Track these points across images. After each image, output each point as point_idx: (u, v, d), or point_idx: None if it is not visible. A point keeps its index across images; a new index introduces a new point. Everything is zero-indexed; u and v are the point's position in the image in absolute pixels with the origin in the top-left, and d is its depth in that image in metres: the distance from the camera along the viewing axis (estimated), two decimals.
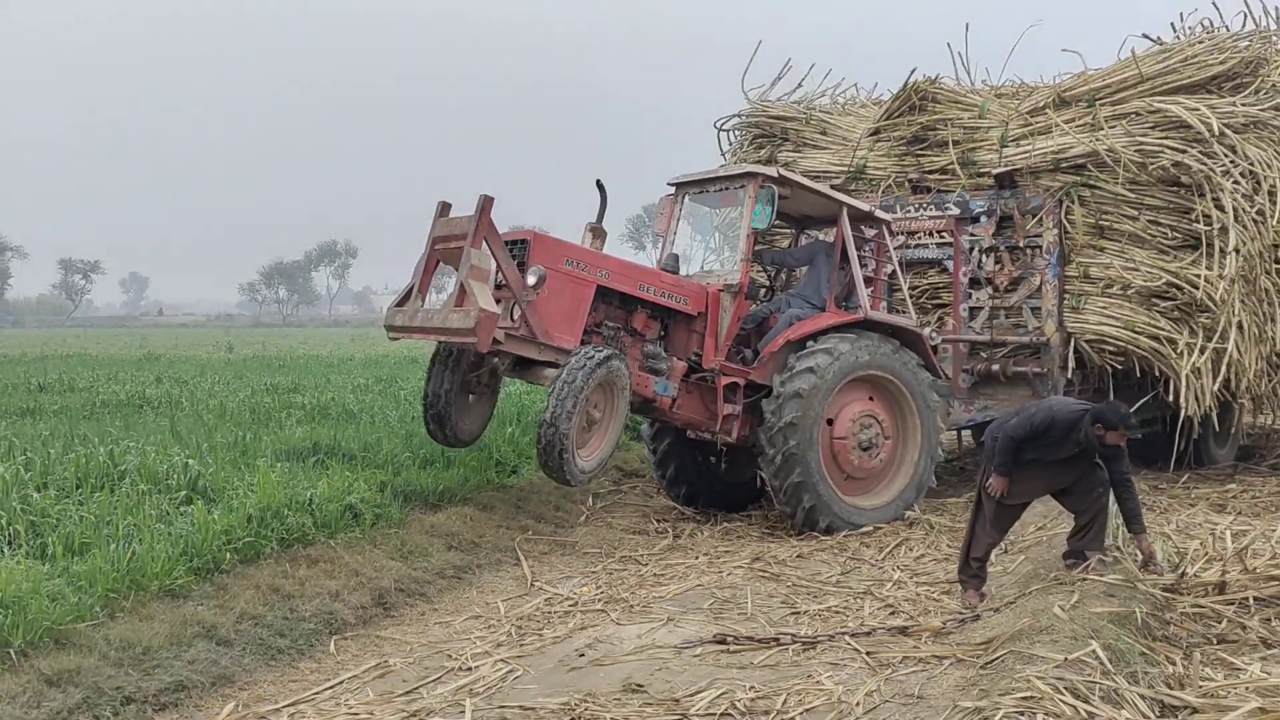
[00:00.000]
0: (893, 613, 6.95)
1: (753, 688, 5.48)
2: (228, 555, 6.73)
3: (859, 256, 9.98)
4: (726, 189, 9.94)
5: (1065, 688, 4.62)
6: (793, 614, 6.99)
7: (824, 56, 14.94)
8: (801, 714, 5.14)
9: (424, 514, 8.57)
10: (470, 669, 5.95)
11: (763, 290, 10.79)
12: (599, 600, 7.34)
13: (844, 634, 6.41)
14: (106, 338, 59.84)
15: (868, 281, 10.07)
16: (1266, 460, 12.57)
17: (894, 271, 10.63)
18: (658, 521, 9.82)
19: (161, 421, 11.88)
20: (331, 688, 5.70)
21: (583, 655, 6.15)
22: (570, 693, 5.44)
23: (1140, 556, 6.83)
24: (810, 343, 9.38)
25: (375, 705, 5.40)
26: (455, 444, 9.31)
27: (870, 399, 9.61)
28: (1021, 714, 4.34)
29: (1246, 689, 4.84)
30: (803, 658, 6.04)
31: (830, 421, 9.33)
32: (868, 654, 6.01)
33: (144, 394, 15.35)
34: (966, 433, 13.36)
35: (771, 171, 9.60)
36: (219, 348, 39.33)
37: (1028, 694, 4.56)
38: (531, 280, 8.33)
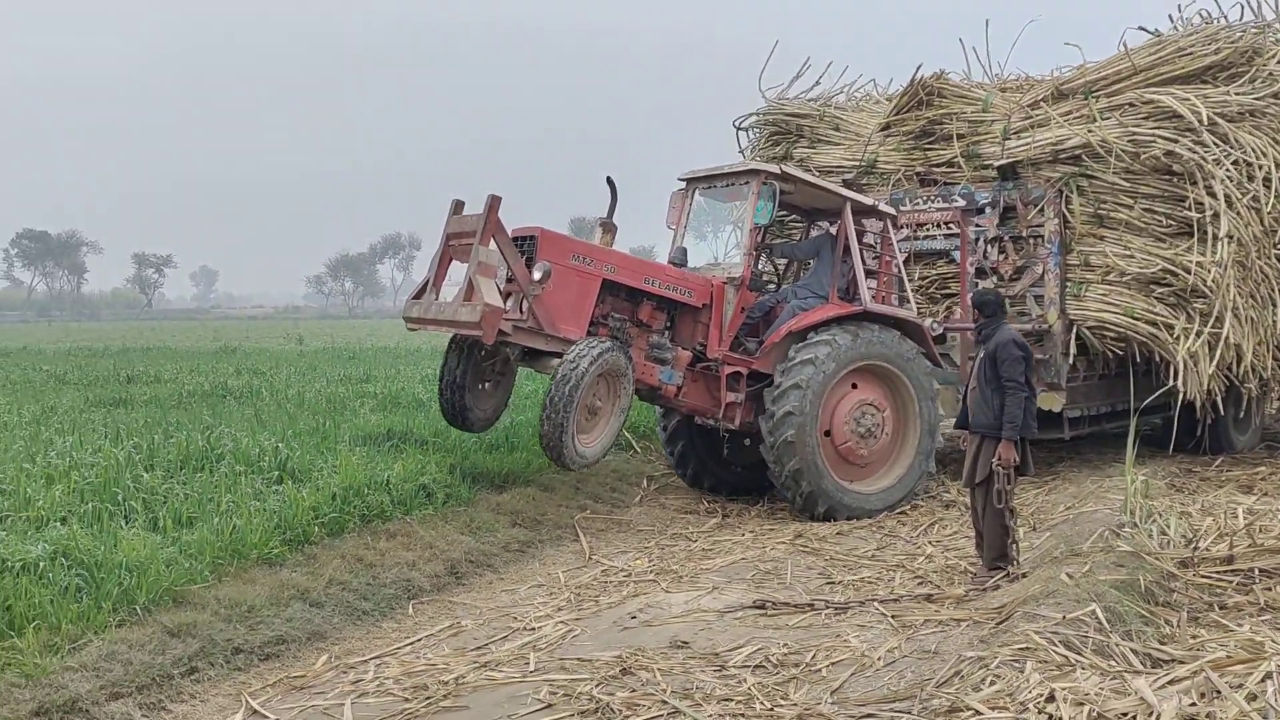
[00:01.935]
0: (921, 583, 7.53)
1: (786, 645, 6.11)
2: (316, 529, 7.50)
3: (866, 249, 10.37)
4: (732, 184, 10.36)
5: (1060, 641, 5.18)
6: (828, 584, 7.61)
7: (839, 55, 15.39)
8: (828, 666, 5.75)
9: (490, 494, 9.29)
10: (533, 629, 6.64)
11: (770, 282, 11.22)
12: (650, 571, 8.01)
13: (873, 600, 7.01)
14: (180, 330, 61.80)
15: (873, 274, 10.50)
16: None
17: (898, 264, 11.05)
18: (708, 502, 10.45)
19: (245, 410, 12.73)
20: (411, 644, 6.42)
21: (634, 618, 6.82)
22: (622, 648, 6.11)
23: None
24: (812, 334, 9.74)
25: (450, 658, 6.10)
26: (469, 428, 9.74)
27: (871, 388, 9.95)
28: (1016, 662, 4.91)
29: (1229, 648, 5.35)
30: (834, 621, 6.65)
31: (831, 410, 9.71)
32: (893, 617, 6.61)
33: (226, 385, 16.27)
34: None
35: (774, 168, 9.98)
36: (289, 339, 40.59)
37: (1024, 645, 5.13)
38: (537, 275, 8.81)
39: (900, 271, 11.05)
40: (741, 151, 14.30)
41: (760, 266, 11.27)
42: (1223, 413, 11.43)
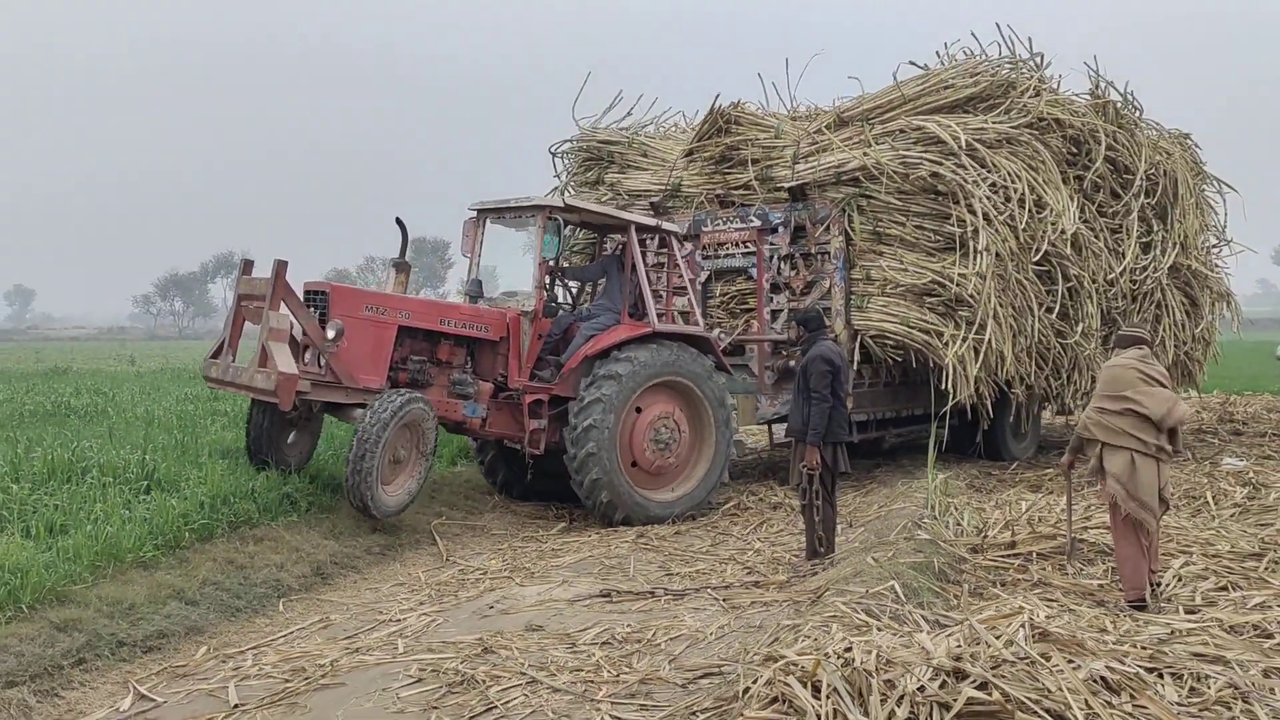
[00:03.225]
0: (749, 573, 8.39)
1: (629, 626, 6.87)
2: (187, 534, 7.90)
3: (655, 267, 11.00)
4: (520, 216, 10.94)
5: (862, 610, 6.07)
6: (667, 575, 8.41)
7: (653, 86, 16.39)
8: (667, 641, 6.53)
9: None
10: (399, 620, 7.23)
11: (563, 305, 11.70)
12: (505, 569, 8.67)
13: (707, 588, 7.85)
14: None
15: (678, 291, 11.28)
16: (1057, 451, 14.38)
17: (690, 280, 11.90)
18: (556, 509, 11.14)
19: (96, 428, 12.79)
20: (285, 636, 6.93)
21: (492, 608, 7.48)
22: (482, 632, 6.76)
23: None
24: (615, 352, 10.30)
25: (323, 646, 6.65)
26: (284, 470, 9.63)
27: (667, 402, 10.58)
28: (825, 627, 5.77)
29: (997, 609, 6.34)
30: (672, 606, 7.44)
31: (630, 425, 10.31)
32: (724, 601, 7.45)
33: (69, 404, 16.14)
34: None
35: (558, 203, 10.62)
36: (119, 361, 39.48)
37: (833, 614, 6.00)
38: (331, 334, 9.19)
39: (689, 287, 11.78)
40: (557, 175, 15.00)
41: (553, 289, 11.72)
42: (997, 420, 12.65)
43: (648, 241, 12.50)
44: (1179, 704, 4.64)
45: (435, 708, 5.51)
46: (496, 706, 5.50)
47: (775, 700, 4.60)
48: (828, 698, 4.45)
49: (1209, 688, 4.79)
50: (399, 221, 10.69)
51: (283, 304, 9.02)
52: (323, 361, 9.24)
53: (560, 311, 11.19)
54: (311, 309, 9.43)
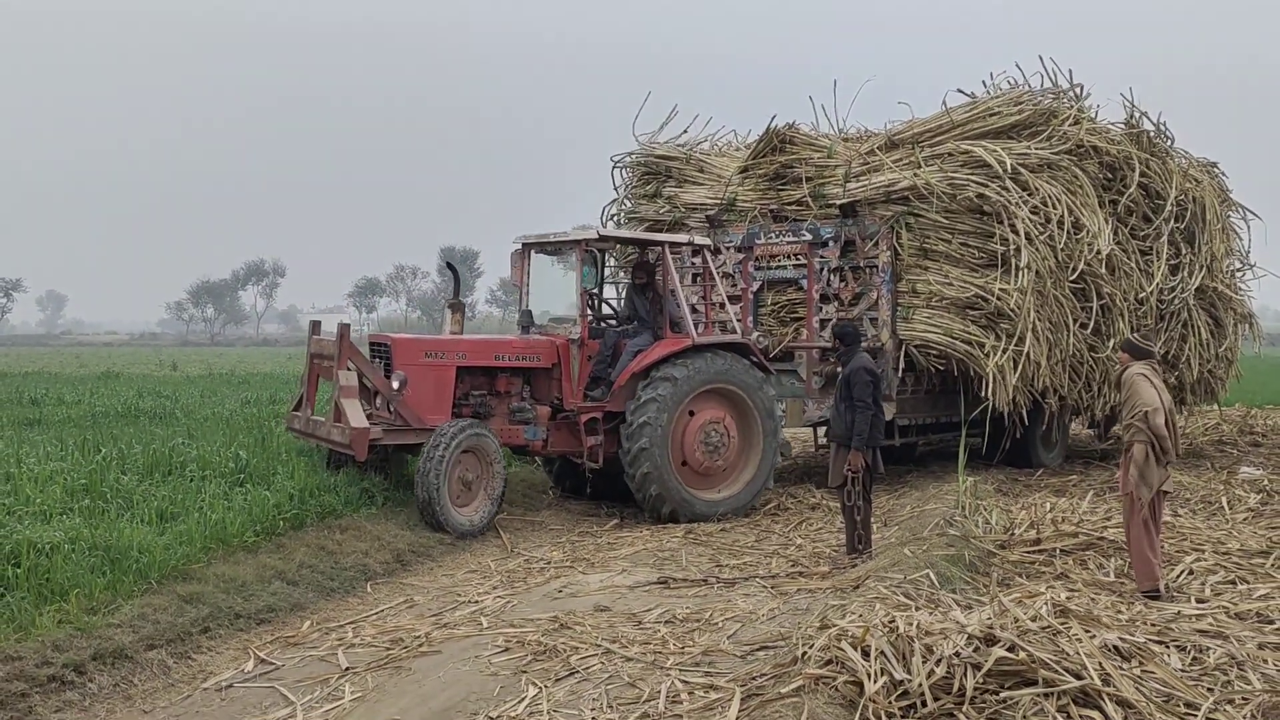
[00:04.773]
0: (793, 565, 9.09)
1: (688, 608, 7.58)
2: (281, 523, 8.71)
3: (691, 280, 11.62)
4: (561, 250, 11.84)
5: (901, 593, 6.78)
6: (717, 566, 9.12)
7: (706, 105, 17.10)
8: (723, 621, 7.24)
9: None
10: (477, 601, 7.97)
11: (611, 319, 12.33)
12: (567, 560, 9.41)
13: (755, 577, 8.56)
14: (37, 356, 59.95)
15: (730, 301, 12.12)
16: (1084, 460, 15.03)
17: (743, 289, 12.64)
18: (607, 507, 11.88)
19: (167, 429, 13.65)
20: (376, 613, 7.69)
21: (560, 592, 8.21)
22: (556, 611, 7.50)
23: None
24: (654, 370, 10.94)
25: (414, 622, 7.40)
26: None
27: (715, 408, 11.22)
28: (869, 605, 6.47)
29: (1018, 596, 7.03)
30: (724, 592, 8.15)
31: (680, 434, 10.94)
32: (772, 588, 8.16)
33: (137, 405, 17.05)
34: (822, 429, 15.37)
35: (592, 234, 11.36)
36: (161, 366, 40.54)
37: (875, 597, 6.72)
38: (396, 385, 10.22)
39: (722, 296, 12.48)
40: (616, 189, 15.79)
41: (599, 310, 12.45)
42: (1029, 429, 13.32)
43: (685, 256, 13.22)
44: (1182, 670, 5.33)
45: (524, 671, 6.25)
46: (578, 671, 6.22)
47: (829, 662, 5.31)
48: (876, 659, 5.16)
49: (1209, 657, 5.48)
50: (450, 266, 11.81)
51: (349, 363, 10.01)
52: (391, 408, 10.18)
53: (606, 329, 11.89)
54: (376, 360, 10.48)
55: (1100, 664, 5.09)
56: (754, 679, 5.68)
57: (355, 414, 9.73)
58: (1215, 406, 17.64)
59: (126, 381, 27.02)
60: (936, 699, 4.91)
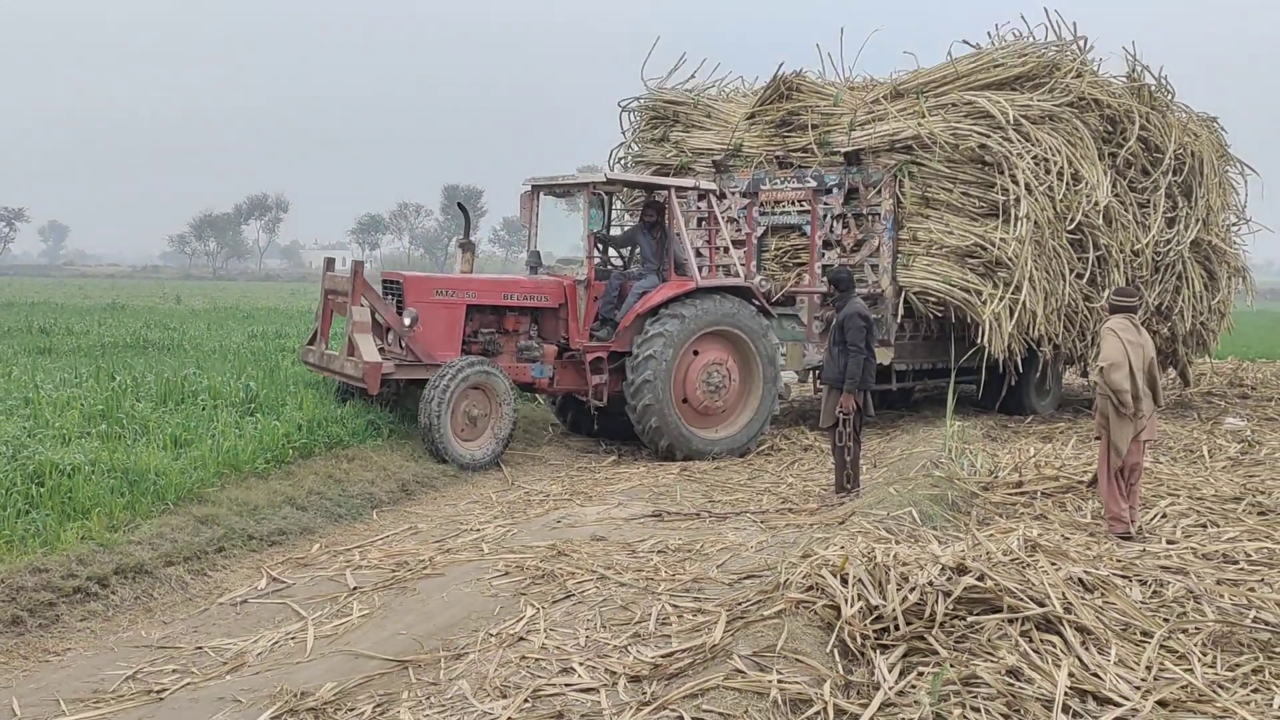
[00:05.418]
0: (783, 502, 9.44)
1: (680, 539, 7.93)
2: (290, 451, 9.03)
3: (696, 225, 11.87)
4: (569, 192, 12.03)
5: (883, 529, 7.12)
6: (710, 501, 9.48)
7: (713, 51, 17.13)
8: (714, 551, 7.59)
9: None
10: (478, 530, 8.31)
11: (612, 264, 12.53)
12: (565, 493, 9.76)
13: (746, 512, 8.91)
14: (41, 287, 59.99)
15: (735, 245, 12.39)
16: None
17: (747, 234, 12.92)
18: (606, 444, 12.22)
19: (175, 359, 13.96)
20: (383, 538, 8.04)
21: (559, 522, 8.56)
22: (554, 540, 7.84)
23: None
24: (662, 309, 11.24)
25: (418, 547, 7.75)
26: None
27: (717, 350, 11.52)
28: (852, 538, 6.81)
29: (993, 533, 7.35)
30: (716, 525, 8.50)
31: (684, 372, 11.28)
32: (762, 523, 8.51)
33: (145, 337, 17.34)
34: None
35: (600, 178, 11.56)
36: (166, 298, 40.72)
37: (858, 531, 7.05)
38: (407, 321, 10.53)
39: (726, 240, 12.60)
40: (624, 132, 16.00)
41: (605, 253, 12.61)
42: (1024, 376, 13.62)
43: (691, 201, 13.43)
44: (1141, 601, 5.67)
45: (523, 593, 6.60)
46: (574, 594, 6.58)
47: (810, 588, 5.64)
48: (853, 586, 5.49)
49: (1168, 591, 5.81)
50: (461, 206, 12.02)
51: (362, 299, 10.28)
52: (403, 344, 10.46)
53: (613, 270, 12.15)
54: (388, 297, 10.74)
55: (1063, 593, 5.42)
56: (739, 604, 6.02)
57: (369, 348, 10.03)
58: (1206, 359, 17.94)
59: (132, 313, 27.25)
60: (908, 623, 5.24)
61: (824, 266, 13.34)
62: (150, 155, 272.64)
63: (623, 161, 15.91)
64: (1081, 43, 13.74)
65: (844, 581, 5.57)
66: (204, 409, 9.54)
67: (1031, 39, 13.61)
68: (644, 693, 4.88)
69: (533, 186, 12.10)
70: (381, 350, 10.41)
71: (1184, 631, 5.39)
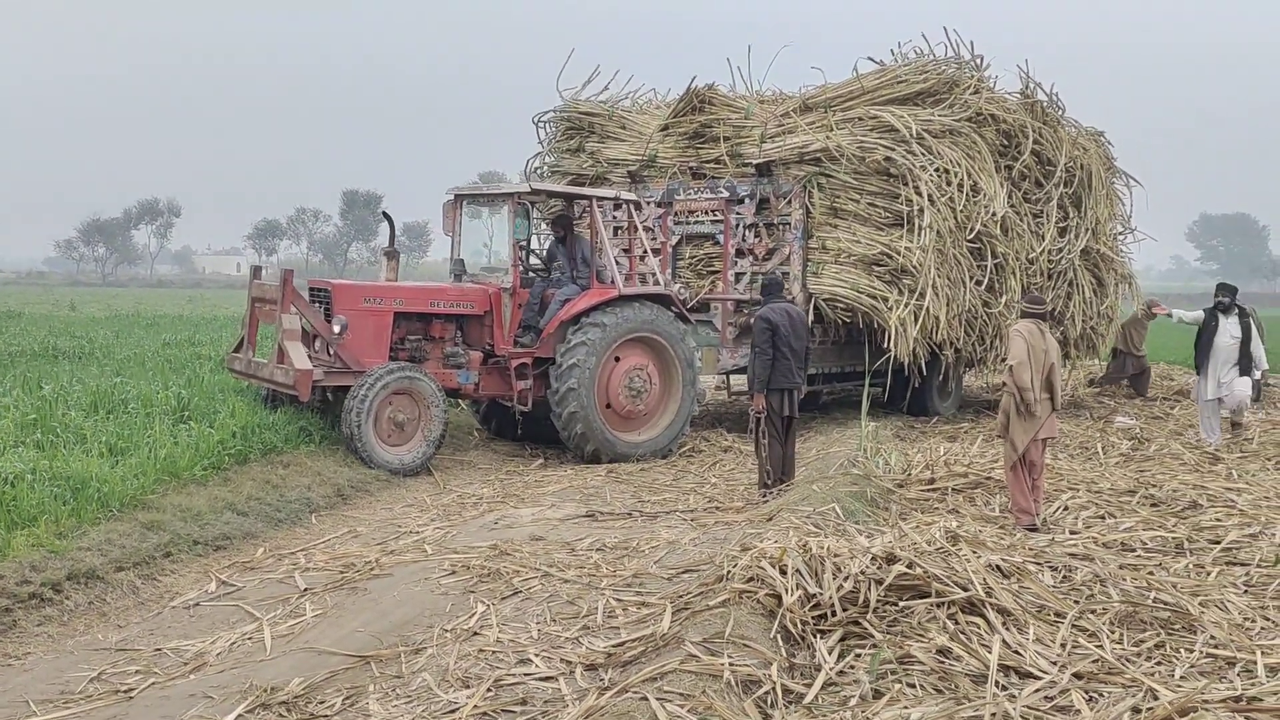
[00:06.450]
0: (710, 501, 9.81)
1: (616, 538, 8.24)
2: (227, 458, 9.12)
3: (613, 234, 12.28)
4: (493, 201, 12.36)
5: (811, 523, 7.52)
6: (640, 501, 9.81)
7: (627, 63, 17.48)
8: (649, 548, 7.91)
9: None
10: (418, 532, 8.52)
11: (540, 270, 12.82)
12: (498, 495, 10.00)
13: (676, 511, 9.26)
14: None
15: (651, 254, 12.83)
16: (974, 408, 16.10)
17: (662, 243, 13.36)
18: (531, 449, 12.48)
19: (89, 369, 13.82)
20: (324, 542, 8.22)
21: (496, 524, 8.80)
22: (494, 540, 8.09)
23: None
24: (584, 318, 11.53)
25: (362, 549, 7.93)
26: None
27: (638, 355, 11.89)
28: (784, 532, 7.20)
29: (915, 525, 7.83)
30: (648, 524, 8.83)
31: (606, 378, 11.61)
32: (693, 521, 8.87)
33: (54, 345, 17.05)
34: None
35: (525, 188, 11.94)
36: (59, 306, 39.73)
37: (787, 526, 7.44)
38: (336, 329, 10.69)
39: (645, 248, 13.03)
40: (540, 143, 16.27)
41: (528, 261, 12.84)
42: (927, 379, 14.23)
43: (608, 210, 13.77)
44: (1053, 585, 6.15)
45: (472, 591, 6.84)
46: (521, 591, 6.84)
47: (751, 579, 6.00)
48: (792, 575, 5.87)
49: (1077, 575, 6.32)
50: (385, 215, 12.23)
51: (292, 306, 10.40)
52: (331, 351, 10.59)
53: (535, 279, 12.42)
54: (316, 305, 10.84)
55: (985, 579, 5.87)
56: (682, 596, 6.35)
57: (299, 356, 10.16)
58: (1096, 361, 18.87)
59: (29, 321, 26.63)
60: (845, 609, 5.63)
61: (737, 274, 13.84)
62: (32, 158, 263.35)
63: (539, 171, 16.17)
64: (979, 60, 14.40)
65: (783, 572, 5.93)
66: (136, 418, 9.56)
67: (933, 57, 14.22)
68: (602, 679, 5.18)
69: (456, 196, 12.32)
70: (310, 357, 10.52)
71: (1093, 612, 5.88)
